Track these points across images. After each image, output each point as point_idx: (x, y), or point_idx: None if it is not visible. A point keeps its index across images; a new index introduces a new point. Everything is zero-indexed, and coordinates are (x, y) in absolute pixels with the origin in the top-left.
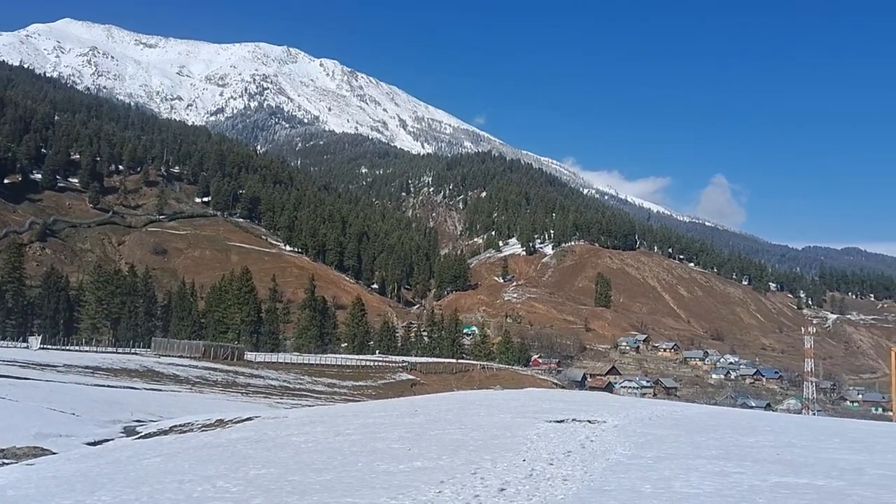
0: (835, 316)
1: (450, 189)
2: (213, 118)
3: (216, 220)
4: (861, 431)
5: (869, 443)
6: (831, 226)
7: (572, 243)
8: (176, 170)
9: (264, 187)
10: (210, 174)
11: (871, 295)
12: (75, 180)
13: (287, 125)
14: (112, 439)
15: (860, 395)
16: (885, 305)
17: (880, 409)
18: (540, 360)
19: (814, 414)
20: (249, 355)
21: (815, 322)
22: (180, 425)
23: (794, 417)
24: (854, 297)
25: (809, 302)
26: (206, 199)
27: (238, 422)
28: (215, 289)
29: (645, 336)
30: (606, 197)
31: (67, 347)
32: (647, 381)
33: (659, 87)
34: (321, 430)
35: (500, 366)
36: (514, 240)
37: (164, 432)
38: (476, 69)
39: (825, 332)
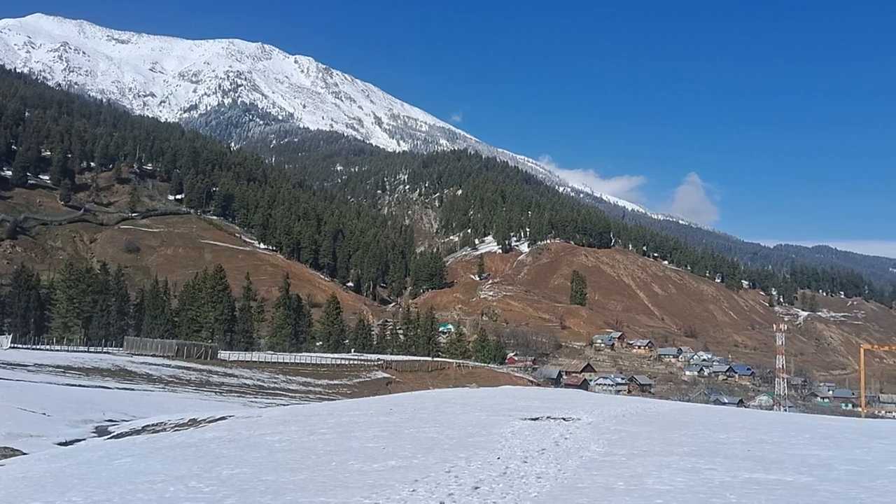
0: (806, 313)
1: (426, 187)
2: (186, 115)
3: (189, 217)
4: (830, 427)
5: (838, 439)
6: (802, 224)
7: (548, 241)
8: (149, 167)
9: (238, 185)
10: (183, 171)
11: (842, 292)
12: (46, 177)
13: (261, 122)
14: (84, 439)
15: (830, 392)
16: (855, 303)
17: (850, 405)
18: (516, 358)
19: (785, 410)
20: (223, 354)
21: (786, 319)
22: (153, 425)
23: (766, 414)
24: (825, 294)
25: (781, 299)
26: (179, 197)
27: (211, 421)
28: (189, 287)
29: (620, 333)
30: (582, 195)
31: (38, 346)
32: (622, 379)
33: (634, 86)
34: (295, 429)
35: (476, 364)
36: (490, 238)
37: (137, 432)
38: (452, 67)
39: (796, 330)
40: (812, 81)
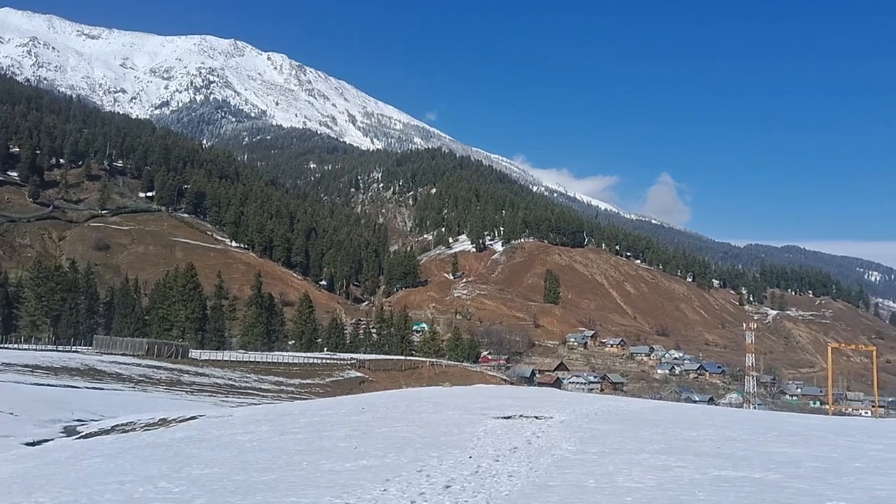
0: (775, 312)
1: (399, 185)
2: (157, 111)
3: (160, 215)
4: (798, 425)
5: (806, 436)
6: (772, 225)
7: (522, 240)
8: (119, 164)
9: (210, 182)
10: (154, 168)
11: (810, 291)
12: (14, 174)
13: (234, 119)
14: (52, 439)
15: (799, 389)
16: (823, 302)
17: (818, 403)
18: (489, 357)
19: (754, 408)
20: (194, 353)
21: (756, 318)
22: (122, 425)
23: (735, 411)
24: (793, 293)
25: (751, 298)
26: (150, 194)
27: (182, 421)
28: (159, 285)
29: (593, 332)
30: (556, 194)
31: (6, 345)
32: (595, 377)
33: (607, 86)
34: (266, 428)
35: (450, 362)
36: (464, 236)
37: (106, 432)
38: (427, 65)
39: (766, 328)
40: (781, 82)
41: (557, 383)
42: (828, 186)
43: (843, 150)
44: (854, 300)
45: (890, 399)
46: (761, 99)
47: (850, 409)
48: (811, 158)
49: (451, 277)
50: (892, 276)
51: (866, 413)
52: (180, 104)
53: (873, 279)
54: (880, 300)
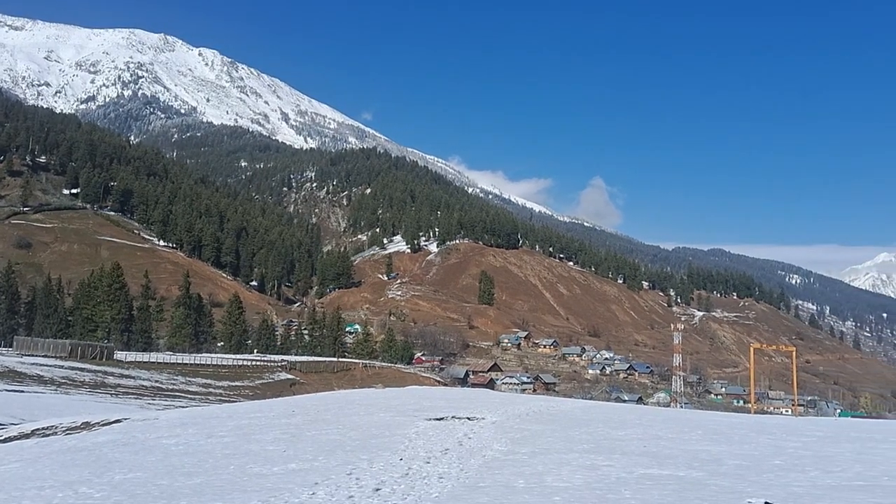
0: (701, 313)
1: (333, 185)
2: (83, 106)
3: (85, 212)
4: (722, 423)
5: (728, 434)
6: (699, 228)
7: (457, 241)
8: (42, 159)
9: (137, 180)
10: (79, 165)
11: (734, 293)
12: None
13: (163, 115)
14: None
15: (723, 389)
16: (747, 303)
17: (741, 402)
18: (423, 358)
19: (681, 406)
20: (120, 355)
21: (683, 319)
22: (43, 428)
23: (662, 411)
24: (719, 295)
25: (679, 300)
26: (74, 191)
27: (105, 424)
28: (84, 285)
29: (526, 333)
30: (491, 196)
31: None
32: (528, 378)
33: (542, 87)
34: (193, 431)
35: (383, 364)
36: (398, 237)
37: (26, 436)
38: (363, 64)
39: (692, 329)
40: (703, 93)
41: (491, 384)
42: (751, 193)
43: (765, 158)
44: (776, 302)
45: (809, 398)
46: (687, 107)
47: (771, 408)
48: (735, 168)
49: (386, 278)
50: (812, 279)
51: (786, 411)
52: (107, 99)
53: (794, 282)
54: (800, 302)
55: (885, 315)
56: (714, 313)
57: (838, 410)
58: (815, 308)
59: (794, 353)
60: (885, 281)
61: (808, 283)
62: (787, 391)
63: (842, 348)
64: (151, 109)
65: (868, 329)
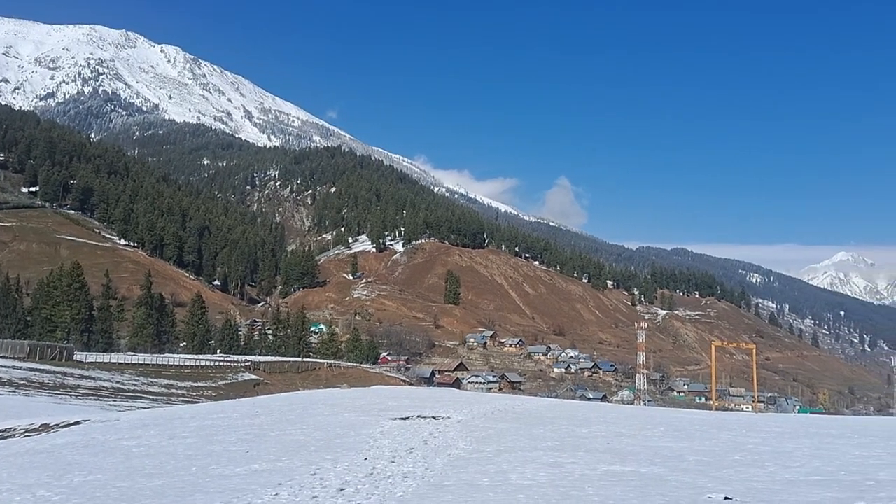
0: (664, 312)
1: (297, 183)
2: (42, 103)
3: (45, 211)
4: (683, 420)
5: (690, 431)
6: (662, 228)
7: (423, 241)
8: (0, 157)
9: (98, 178)
10: (38, 162)
11: (696, 292)
12: None
13: (124, 113)
14: None
15: (686, 386)
16: (709, 302)
17: (703, 399)
18: (389, 358)
19: (644, 404)
20: (80, 355)
21: (647, 318)
22: (1, 431)
23: (625, 408)
24: (681, 294)
25: (642, 299)
26: (33, 189)
27: (65, 426)
28: (43, 284)
29: (492, 332)
30: (457, 196)
31: None
32: (494, 377)
33: (506, 87)
34: (155, 433)
35: (349, 364)
36: (364, 236)
37: None
38: (328, 62)
39: (656, 327)
40: (667, 85)
41: (457, 383)
42: (714, 193)
43: (728, 159)
44: (737, 301)
45: (769, 394)
46: (654, 107)
47: (732, 405)
48: (698, 168)
49: (351, 278)
50: (772, 278)
51: (747, 408)
52: (67, 96)
53: (754, 281)
54: (760, 300)
55: (842, 313)
56: (677, 312)
57: (797, 407)
58: (774, 306)
59: (754, 350)
60: (843, 280)
61: (768, 282)
62: (747, 388)
63: (801, 346)
64: (112, 107)
65: (826, 327)
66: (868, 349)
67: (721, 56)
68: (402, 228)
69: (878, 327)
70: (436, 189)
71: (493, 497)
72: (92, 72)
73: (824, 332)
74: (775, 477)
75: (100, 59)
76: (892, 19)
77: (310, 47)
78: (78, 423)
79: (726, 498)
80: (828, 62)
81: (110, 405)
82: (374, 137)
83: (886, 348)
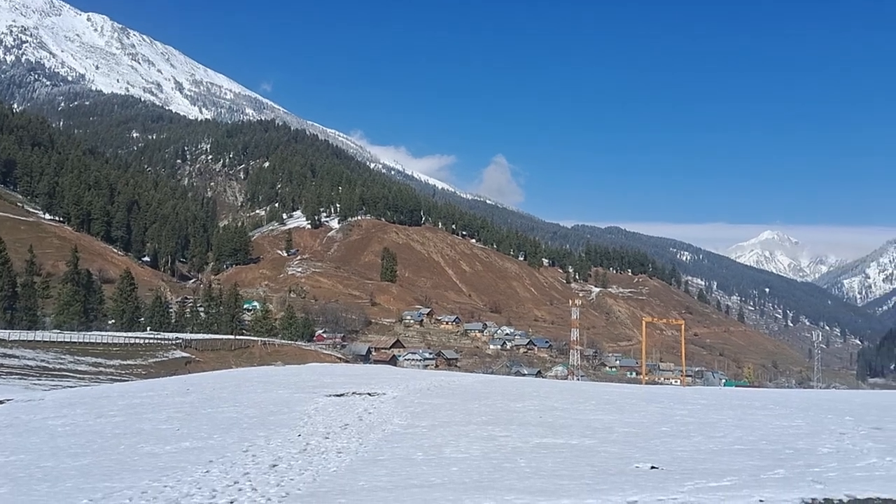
0: (598, 289)
1: (230, 158)
2: None
3: None
4: (614, 394)
5: (620, 404)
6: (596, 207)
7: (359, 218)
8: None
9: (21, 150)
10: None
11: (629, 270)
12: None
13: (49, 83)
14: None
15: (618, 361)
16: (641, 279)
17: (634, 374)
18: (324, 335)
19: (577, 379)
20: (2, 333)
21: (581, 295)
22: None
23: (559, 383)
24: (615, 271)
25: (577, 276)
26: None
27: None
28: None
29: (429, 310)
30: (393, 172)
31: None
32: (430, 354)
33: (443, 63)
34: (81, 412)
35: (283, 341)
36: (298, 213)
37: None
38: (261, 34)
39: (589, 304)
40: (602, 67)
41: (393, 360)
42: (647, 172)
43: (660, 139)
44: (668, 278)
45: (696, 369)
46: (590, 87)
47: (661, 379)
48: (632, 148)
49: (286, 255)
50: (701, 256)
51: (675, 382)
52: None
53: (684, 259)
54: (690, 278)
55: (767, 290)
56: (610, 289)
57: (723, 380)
58: (703, 283)
59: (682, 326)
60: (768, 257)
61: (697, 260)
62: (676, 363)
63: (727, 321)
64: (36, 76)
65: (752, 303)
66: (791, 325)
67: (652, 39)
68: (338, 205)
69: (801, 303)
70: (372, 165)
71: (426, 470)
72: (14, 40)
73: (750, 308)
74: (700, 447)
75: (22, 26)
76: None
77: (243, 19)
78: (1, 402)
79: (653, 467)
80: (749, 44)
81: (35, 384)
82: (309, 112)
83: (808, 323)
